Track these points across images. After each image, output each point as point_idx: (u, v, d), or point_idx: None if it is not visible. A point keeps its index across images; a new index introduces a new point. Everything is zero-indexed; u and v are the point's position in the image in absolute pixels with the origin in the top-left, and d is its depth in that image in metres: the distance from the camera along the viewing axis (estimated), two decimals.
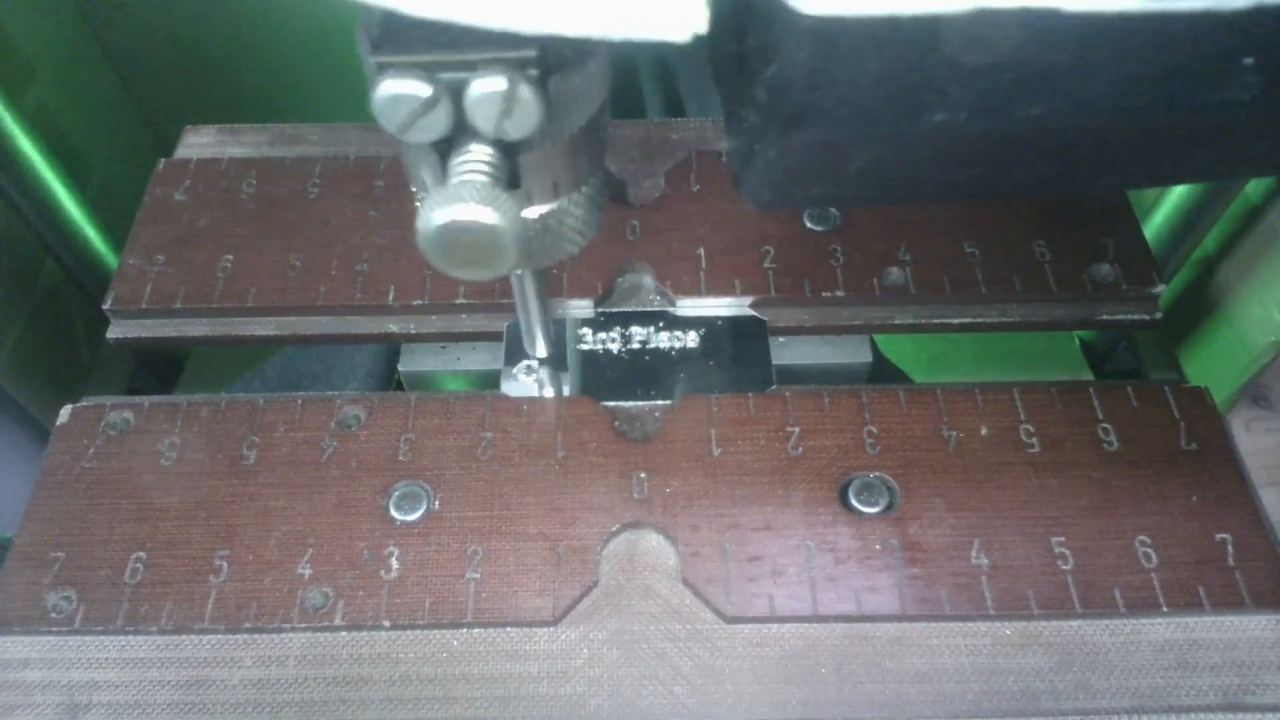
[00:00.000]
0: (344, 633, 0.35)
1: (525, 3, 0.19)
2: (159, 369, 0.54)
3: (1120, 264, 0.43)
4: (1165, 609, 0.35)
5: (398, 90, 0.24)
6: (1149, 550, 0.36)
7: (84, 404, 0.41)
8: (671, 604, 0.35)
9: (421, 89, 0.24)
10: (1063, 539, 0.36)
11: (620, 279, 0.45)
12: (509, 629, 0.35)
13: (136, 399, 0.41)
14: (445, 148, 0.26)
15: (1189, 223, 0.48)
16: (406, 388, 0.47)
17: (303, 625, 0.35)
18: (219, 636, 0.35)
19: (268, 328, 0.44)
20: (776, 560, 0.36)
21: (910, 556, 0.36)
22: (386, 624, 0.35)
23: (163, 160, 0.49)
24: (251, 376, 0.51)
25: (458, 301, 0.43)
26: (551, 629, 0.35)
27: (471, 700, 0.34)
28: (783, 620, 0.35)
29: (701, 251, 0.45)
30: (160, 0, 0.61)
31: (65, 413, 0.41)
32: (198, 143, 0.51)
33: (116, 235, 0.56)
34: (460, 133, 0.25)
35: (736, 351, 0.42)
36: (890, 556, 0.36)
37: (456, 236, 0.25)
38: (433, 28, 0.23)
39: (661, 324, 0.43)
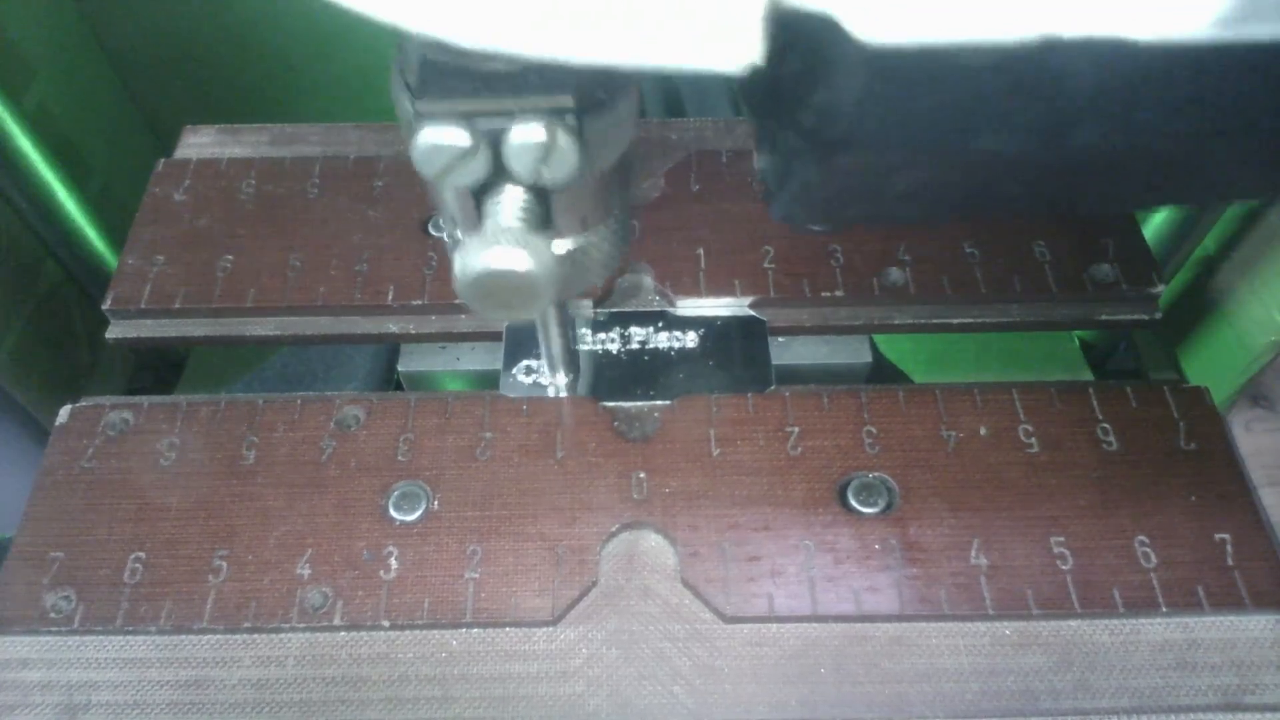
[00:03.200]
0: (343, 633, 0.35)
1: (579, 35, 0.19)
2: (159, 369, 0.54)
3: (1120, 264, 0.43)
4: (1164, 609, 0.35)
5: (438, 140, 0.24)
6: (1148, 550, 0.36)
7: (84, 404, 0.41)
8: (671, 604, 0.35)
9: (461, 138, 0.24)
10: (1062, 539, 0.36)
11: (620, 279, 0.45)
12: (508, 629, 0.35)
13: (136, 399, 0.41)
14: (479, 189, 0.26)
15: (1189, 223, 0.48)
16: (406, 388, 0.47)
17: (302, 625, 0.35)
18: (218, 636, 0.35)
19: (268, 328, 0.44)
20: (776, 560, 0.36)
21: (909, 556, 0.36)
22: (386, 624, 0.35)
23: (162, 160, 0.49)
24: (251, 376, 0.51)
25: (457, 301, 0.43)
26: (551, 629, 0.35)
27: (471, 700, 0.34)
28: (782, 620, 0.35)
29: (701, 251, 0.45)
30: (160, 0, 0.61)
31: (65, 413, 0.41)
32: (197, 143, 0.51)
33: (116, 235, 0.56)
34: (495, 177, 0.25)
35: (736, 351, 0.42)
36: (889, 556, 0.36)
37: (494, 282, 0.25)
38: (470, 74, 0.23)
39: (661, 324, 0.43)
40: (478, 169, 0.25)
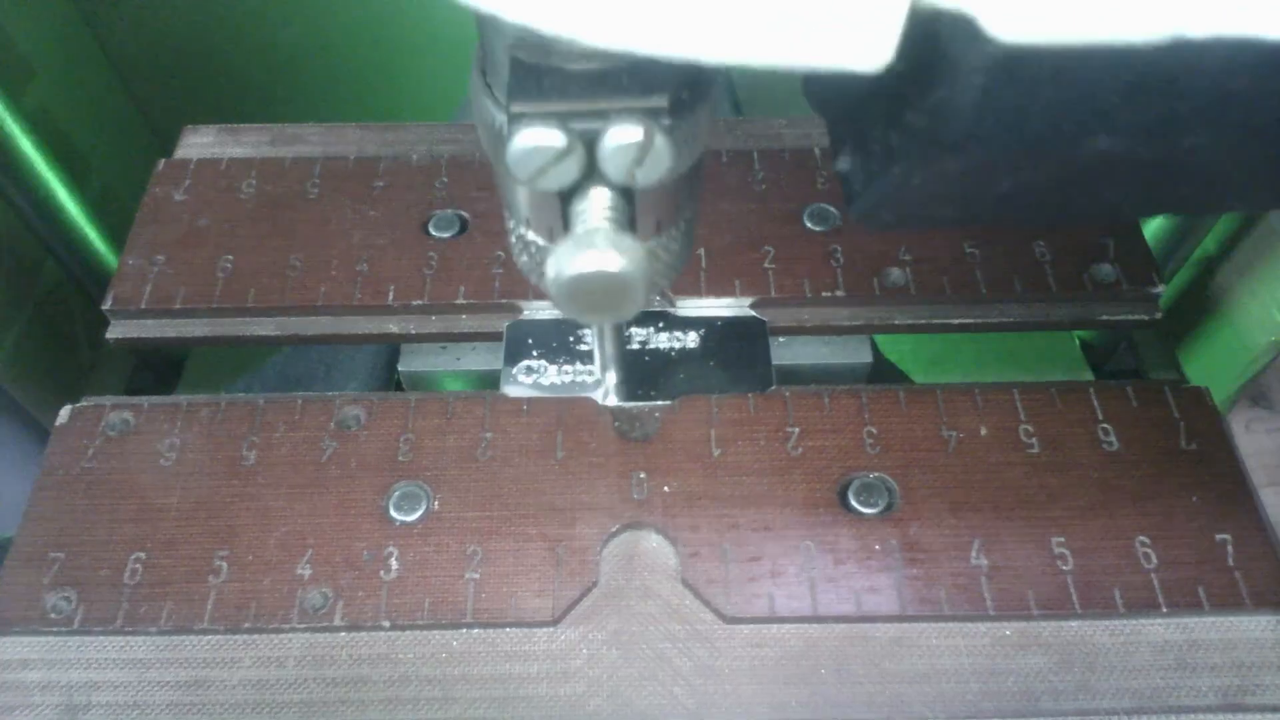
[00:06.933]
0: (344, 633, 0.35)
1: (714, 33, 0.18)
2: (159, 369, 0.54)
3: (1120, 264, 0.43)
4: (1165, 609, 0.35)
5: (535, 142, 0.24)
6: (1149, 550, 0.36)
7: (84, 404, 0.41)
8: (671, 604, 0.35)
9: (557, 139, 0.24)
10: (1062, 539, 0.36)
11: None
12: (509, 629, 0.35)
13: (136, 399, 0.41)
14: (567, 192, 0.26)
15: (1189, 223, 0.48)
16: (406, 388, 0.47)
17: (302, 626, 0.35)
18: (219, 637, 0.35)
19: (268, 328, 0.44)
20: (776, 561, 0.36)
21: (910, 557, 0.36)
22: (386, 624, 0.35)
23: (162, 160, 0.49)
24: (251, 377, 0.51)
25: (458, 302, 0.43)
26: (551, 629, 0.35)
27: (471, 700, 0.34)
28: (782, 621, 0.35)
29: (701, 252, 0.45)
30: (160, 0, 0.61)
31: (65, 413, 0.41)
32: (197, 143, 0.51)
33: (116, 235, 0.56)
34: (586, 179, 0.25)
35: (736, 352, 0.42)
36: (890, 557, 0.36)
37: (588, 284, 0.25)
38: (563, 75, 0.23)
39: (661, 324, 0.43)
40: (571, 170, 0.25)
